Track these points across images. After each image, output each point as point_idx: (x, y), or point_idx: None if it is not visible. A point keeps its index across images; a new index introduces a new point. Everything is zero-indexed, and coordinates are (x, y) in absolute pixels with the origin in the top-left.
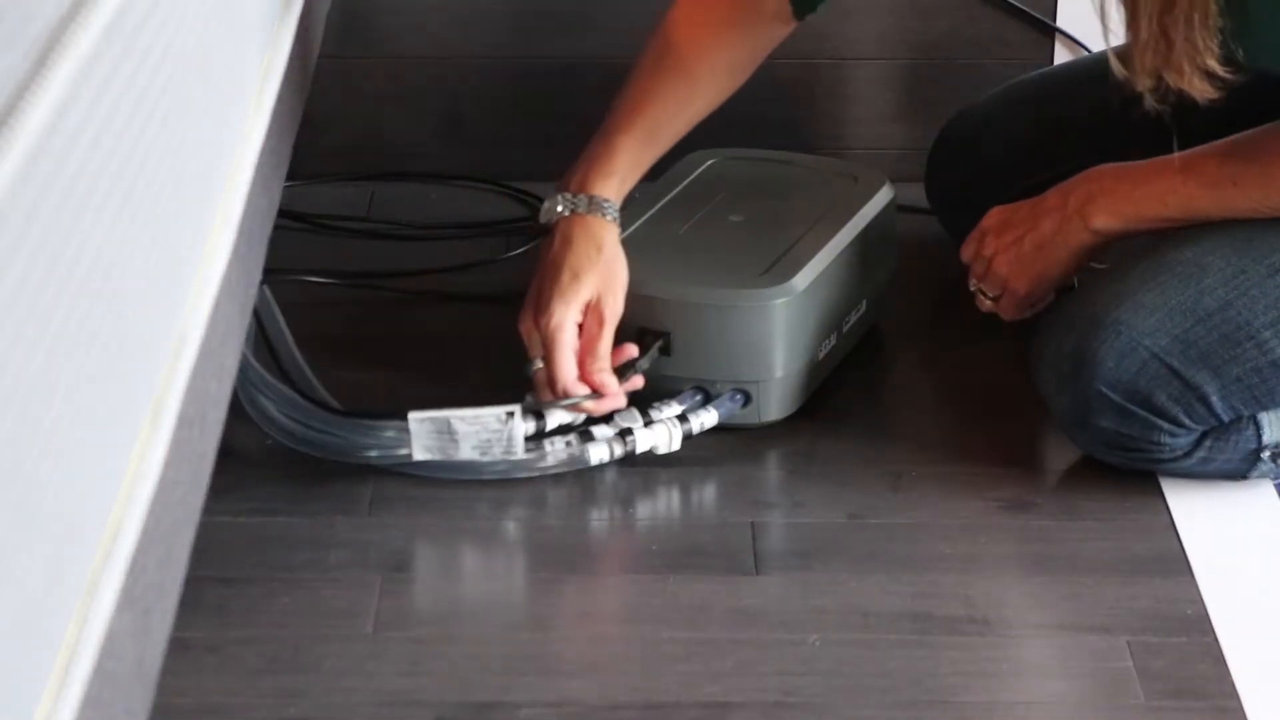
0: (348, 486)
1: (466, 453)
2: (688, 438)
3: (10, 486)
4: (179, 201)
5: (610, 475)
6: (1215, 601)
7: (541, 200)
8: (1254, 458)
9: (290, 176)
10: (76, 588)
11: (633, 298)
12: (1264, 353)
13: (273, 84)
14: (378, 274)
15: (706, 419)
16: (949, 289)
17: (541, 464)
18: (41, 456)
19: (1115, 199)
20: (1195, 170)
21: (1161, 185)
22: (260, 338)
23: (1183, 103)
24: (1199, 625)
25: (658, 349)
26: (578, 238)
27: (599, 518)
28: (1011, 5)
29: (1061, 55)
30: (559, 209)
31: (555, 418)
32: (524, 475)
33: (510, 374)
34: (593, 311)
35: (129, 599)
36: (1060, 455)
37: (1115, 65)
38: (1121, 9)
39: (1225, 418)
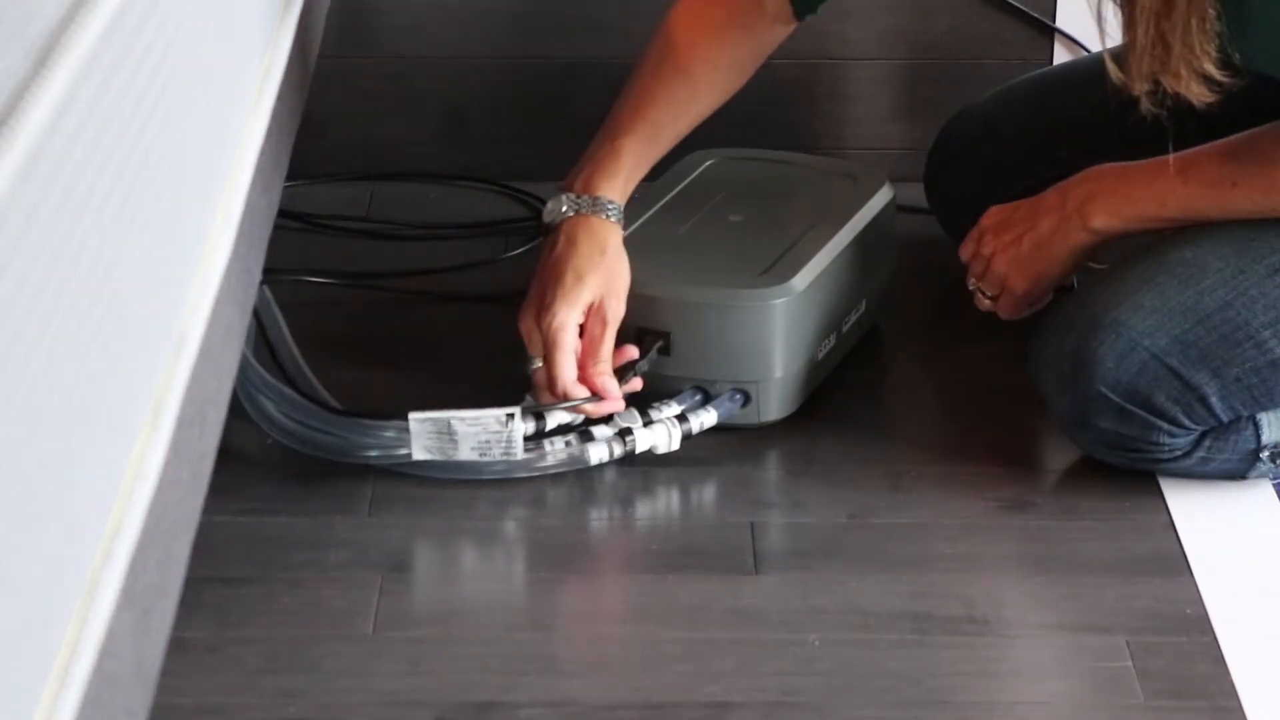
0: (348, 486)
1: (466, 453)
2: (687, 438)
3: (10, 486)
4: (179, 201)
5: (610, 475)
6: (1214, 601)
7: (541, 200)
8: (1253, 458)
9: (290, 176)
10: (76, 588)
11: (633, 298)
12: (1263, 353)
13: (273, 84)
14: (378, 274)
15: (706, 419)
16: (949, 289)
17: (541, 464)
18: (41, 456)
19: (1114, 199)
20: (1195, 171)
21: (1161, 186)
22: (260, 338)
23: (1179, 106)
24: (1198, 625)
25: (657, 350)
26: (582, 239)
27: (599, 518)
28: (1011, 5)
29: (1061, 55)
30: (564, 209)
31: (555, 418)
32: (524, 475)
33: (510, 374)
34: (595, 313)
35: (129, 599)
36: (1060, 455)
37: (1112, 69)
38: (1118, 13)
39: (1224, 418)
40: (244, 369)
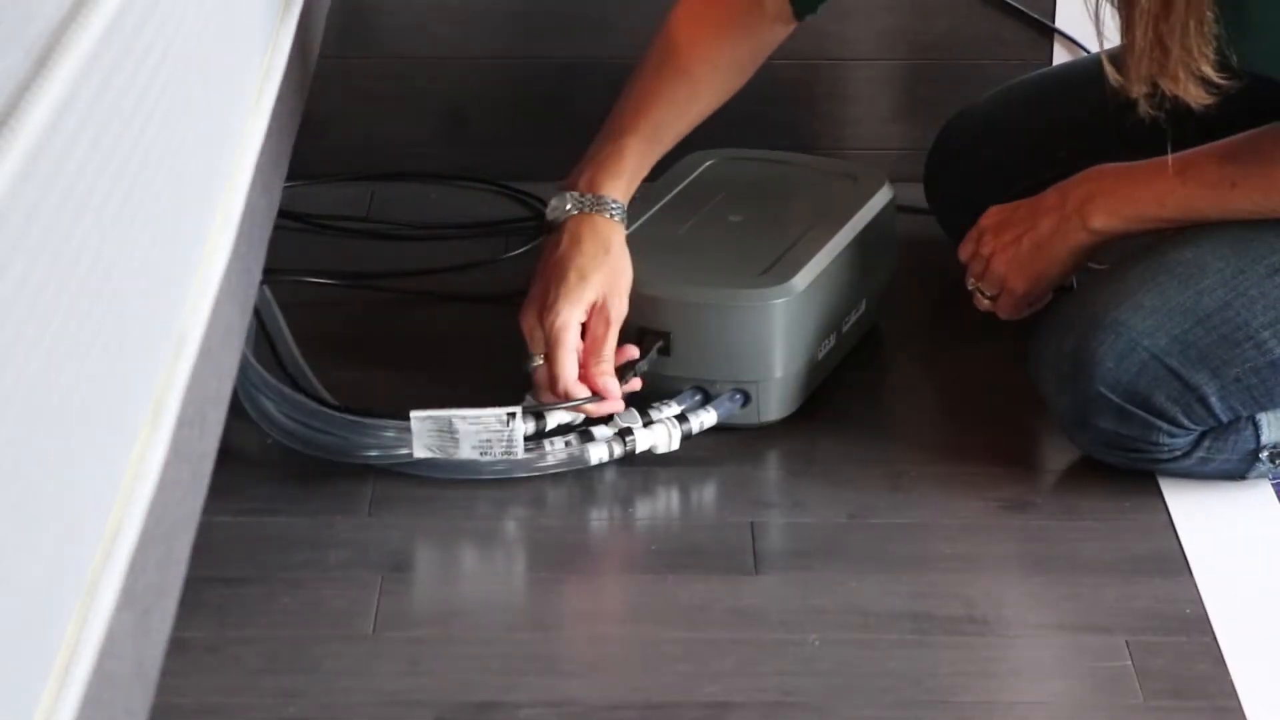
0: (348, 486)
1: (467, 452)
2: (687, 437)
3: (10, 486)
4: (179, 201)
5: (610, 475)
6: (1214, 601)
7: (541, 200)
8: (1252, 458)
9: (290, 176)
10: (76, 588)
11: (633, 297)
12: (1263, 353)
13: (273, 84)
14: (378, 274)
15: (706, 419)
16: (949, 289)
17: (541, 464)
18: (41, 456)
19: (1114, 199)
20: (1194, 171)
21: (1160, 186)
22: (260, 337)
23: (1177, 108)
24: (1198, 625)
25: (657, 350)
26: (586, 237)
27: (599, 517)
28: (1010, 5)
29: (1060, 56)
30: (568, 207)
31: (555, 417)
32: (524, 475)
33: (510, 374)
34: (598, 313)
35: (129, 599)
36: (1060, 455)
37: (1110, 71)
38: (1115, 15)
39: (1224, 418)
40: (244, 369)
